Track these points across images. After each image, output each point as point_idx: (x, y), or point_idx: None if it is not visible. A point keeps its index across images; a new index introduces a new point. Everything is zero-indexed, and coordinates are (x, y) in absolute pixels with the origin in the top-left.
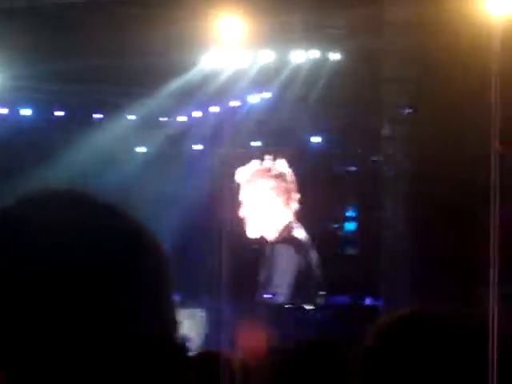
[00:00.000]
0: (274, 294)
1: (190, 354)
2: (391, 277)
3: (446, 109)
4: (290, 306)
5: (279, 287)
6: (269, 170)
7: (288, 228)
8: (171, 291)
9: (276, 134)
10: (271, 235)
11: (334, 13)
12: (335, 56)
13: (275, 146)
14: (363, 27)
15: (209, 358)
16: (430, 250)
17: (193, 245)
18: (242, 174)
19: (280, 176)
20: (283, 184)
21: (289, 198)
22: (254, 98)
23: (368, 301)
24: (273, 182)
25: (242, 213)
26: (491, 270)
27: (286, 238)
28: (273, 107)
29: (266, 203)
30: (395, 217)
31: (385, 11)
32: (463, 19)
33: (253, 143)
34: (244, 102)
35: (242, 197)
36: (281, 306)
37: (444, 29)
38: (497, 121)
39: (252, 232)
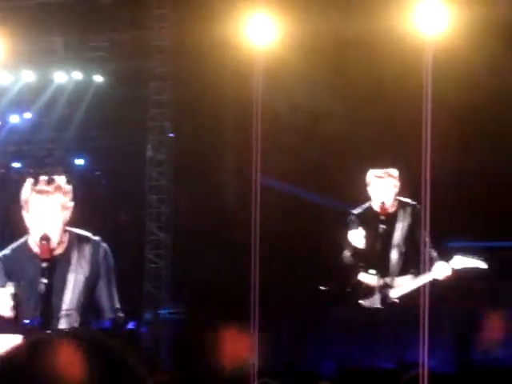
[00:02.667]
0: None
1: None
2: (154, 300)
3: (207, 133)
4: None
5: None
6: (59, 186)
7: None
8: None
9: (37, 155)
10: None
11: (98, 35)
12: (99, 78)
13: (36, 168)
14: (128, 50)
15: None
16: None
17: None
18: (28, 189)
19: (67, 193)
20: (67, 200)
21: (69, 214)
22: (15, 118)
23: (132, 325)
24: (61, 198)
25: (28, 225)
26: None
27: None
28: (34, 128)
29: (53, 218)
30: (160, 241)
31: (150, 35)
32: (228, 46)
33: (13, 164)
34: (4, 121)
35: (29, 211)
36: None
37: (209, 55)
38: (258, 140)
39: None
